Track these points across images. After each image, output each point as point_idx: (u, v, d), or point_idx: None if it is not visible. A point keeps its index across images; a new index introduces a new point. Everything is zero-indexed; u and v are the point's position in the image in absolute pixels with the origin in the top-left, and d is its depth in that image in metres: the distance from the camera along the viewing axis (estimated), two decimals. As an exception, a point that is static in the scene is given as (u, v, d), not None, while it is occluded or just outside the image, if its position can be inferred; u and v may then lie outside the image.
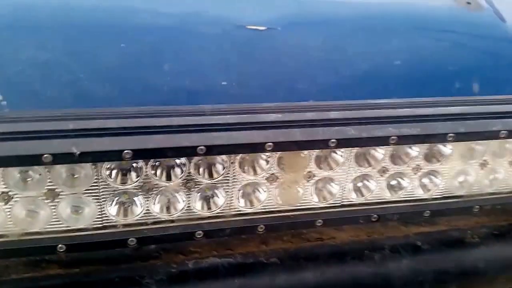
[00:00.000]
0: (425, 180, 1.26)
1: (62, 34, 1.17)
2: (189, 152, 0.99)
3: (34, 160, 0.91)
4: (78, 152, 0.91)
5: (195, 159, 1.05)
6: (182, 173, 1.05)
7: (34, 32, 1.17)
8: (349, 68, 1.29)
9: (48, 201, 1.00)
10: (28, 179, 0.97)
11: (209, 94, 1.20)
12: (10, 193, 0.97)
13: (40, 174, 0.96)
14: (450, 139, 1.14)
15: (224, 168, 1.07)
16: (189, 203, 1.09)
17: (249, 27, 1.21)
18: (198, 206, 1.10)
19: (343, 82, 1.28)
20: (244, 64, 1.21)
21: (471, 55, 1.42)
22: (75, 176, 0.99)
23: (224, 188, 1.11)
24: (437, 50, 1.43)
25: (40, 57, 1.12)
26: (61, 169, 0.97)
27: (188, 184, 1.07)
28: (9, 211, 0.99)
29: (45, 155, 0.90)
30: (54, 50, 1.13)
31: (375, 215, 1.22)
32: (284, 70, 1.25)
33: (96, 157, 0.94)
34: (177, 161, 1.04)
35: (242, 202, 1.14)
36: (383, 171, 1.20)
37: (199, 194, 1.10)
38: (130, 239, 1.05)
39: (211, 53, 1.20)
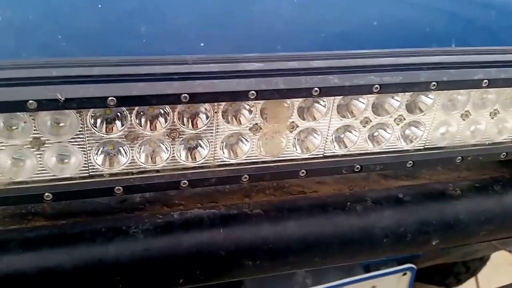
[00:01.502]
0: (408, 131, 1.31)
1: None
2: (172, 99, 1.02)
3: (19, 106, 0.93)
4: (63, 99, 0.94)
5: (179, 108, 1.08)
6: (166, 122, 1.08)
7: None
8: (329, 20, 1.31)
9: (34, 149, 1.03)
10: (14, 127, 1.00)
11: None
12: (-5, 141, 1.00)
13: (25, 122, 0.99)
14: (433, 87, 1.18)
15: (207, 117, 1.11)
16: (173, 153, 1.13)
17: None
18: (182, 156, 1.14)
19: (323, 38, 1.30)
20: (222, 23, 1.23)
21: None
22: (60, 125, 1.02)
23: (208, 139, 1.14)
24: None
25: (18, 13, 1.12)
26: (46, 117, 1.00)
27: (172, 134, 1.11)
28: (-6, 160, 1.02)
29: (30, 101, 0.93)
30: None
31: (358, 166, 1.27)
32: (265, 26, 1.27)
33: (81, 104, 0.96)
34: (161, 110, 1.08)
35: (226, 152, 1.18)
36: (366, 121, 1.25)
37: (183, 144, 1.14)
38: (117, 187, 1.09)
39: (188, 12, 1.21)
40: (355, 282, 1.68)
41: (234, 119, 1.14)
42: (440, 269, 3.01)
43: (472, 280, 3.21)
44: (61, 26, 1.09)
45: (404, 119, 1.27)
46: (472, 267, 3.12)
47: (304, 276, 1.80)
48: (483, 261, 3.13)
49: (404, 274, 1.77)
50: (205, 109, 1.10)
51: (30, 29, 1.08)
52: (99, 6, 1.12)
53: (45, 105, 0.94)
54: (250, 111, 1.14)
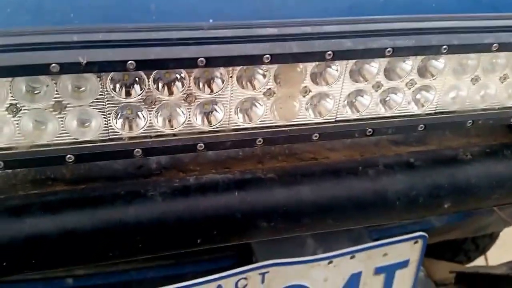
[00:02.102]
0: (419, 95, 1.35)
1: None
2: (189, 63, 1.07)
3: (42, 69, 0.98)
4: (85, 62, 0.99)
5: (195, 73, 1.13)
6: (182, 87, 1.13)
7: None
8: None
9: (56, 113, 1.08)
10: (36, 91, 1.05)
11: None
12: (18, 105, 1.05)
13: (47, 86, 1.04)
14: (444, 51, 1.22)
15: (223, 82, 1.15)
16: (190, 117, 1.18)
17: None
18: (198, 120, 1.19)
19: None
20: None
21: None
22: (81, 89, 1.07)
23: (223, 103, 1.19)
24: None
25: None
26: (67, 81, 1.05)
27: (189, 98, 1.16)
28: (17, 123, 1.07)
29: (52, 65, 0.97)
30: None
31: (370, 129, 1.32)
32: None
33: (101, 67, 1.01)
34: (178, 75, 1.12)
35: (240, 116, 1.22)
36: (378, 86, 1.29)
37: (199, 108, 1.18)
38: (136, 150, 1.14)
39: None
40: (367, 249, 1.73)
41: (248, 84, 1.18)
42: (449, 246, 3.06)
43: (481, 259, 3.26)
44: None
45: (416, 83, 1.31)
46: (481, 245, 3.17)
47: (314, 245, 1.85)
48: (492, 238, 3.18)
49: (416, 242, 1.81)
50: (220, 74, 1.14)
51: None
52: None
53: (67, 68, 0.99)
54: (264, 76, 1.18)
